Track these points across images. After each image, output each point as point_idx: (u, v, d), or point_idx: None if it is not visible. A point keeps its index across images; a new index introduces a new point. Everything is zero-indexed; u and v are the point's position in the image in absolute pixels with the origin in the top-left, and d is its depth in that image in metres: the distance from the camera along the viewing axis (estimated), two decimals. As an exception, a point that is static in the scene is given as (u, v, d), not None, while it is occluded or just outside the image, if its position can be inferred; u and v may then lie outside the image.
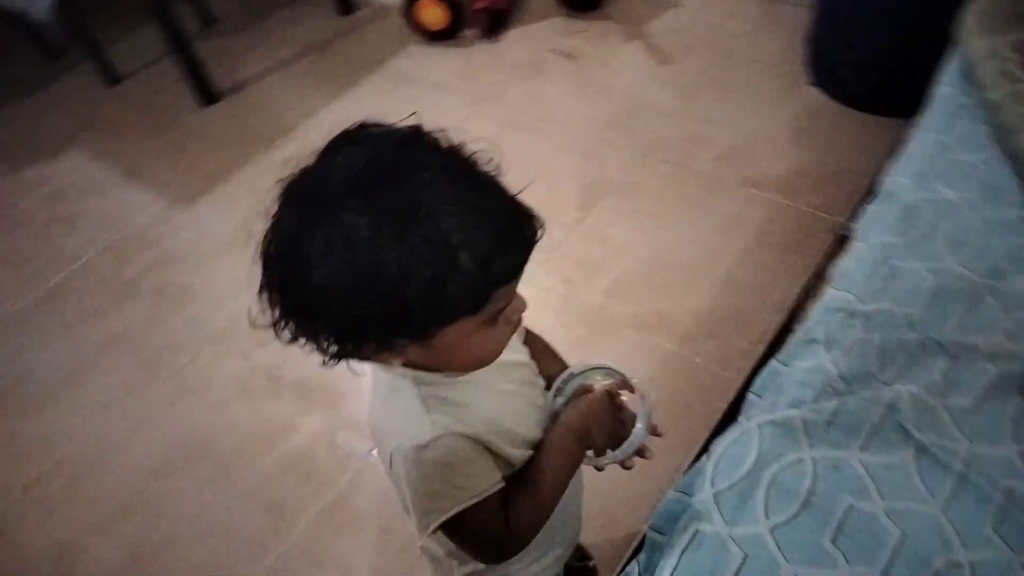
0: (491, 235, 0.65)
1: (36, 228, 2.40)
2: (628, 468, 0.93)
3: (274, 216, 0.68)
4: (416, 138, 0.69)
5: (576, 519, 1.17)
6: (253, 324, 0.71)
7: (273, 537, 1.61)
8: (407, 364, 0.79)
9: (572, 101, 2.55)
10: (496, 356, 0.78)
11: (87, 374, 1.96)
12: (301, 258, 0.65)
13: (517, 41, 2.83)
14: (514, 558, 1.00)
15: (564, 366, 1.01)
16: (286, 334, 0.71)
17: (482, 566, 1.00)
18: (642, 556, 1.06)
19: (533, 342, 1.04)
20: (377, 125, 0.70)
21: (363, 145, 0.67)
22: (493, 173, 0.72)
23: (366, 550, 1.56)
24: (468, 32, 2.85)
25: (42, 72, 3.10)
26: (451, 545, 0.92)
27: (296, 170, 0.68)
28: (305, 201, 0.66)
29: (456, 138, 0.73)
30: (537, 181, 2.34)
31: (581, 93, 2.57)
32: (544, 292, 1.98)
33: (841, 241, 1.44)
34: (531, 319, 2.07)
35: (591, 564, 1.51)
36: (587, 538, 1.54)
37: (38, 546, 1.65)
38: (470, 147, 0.73)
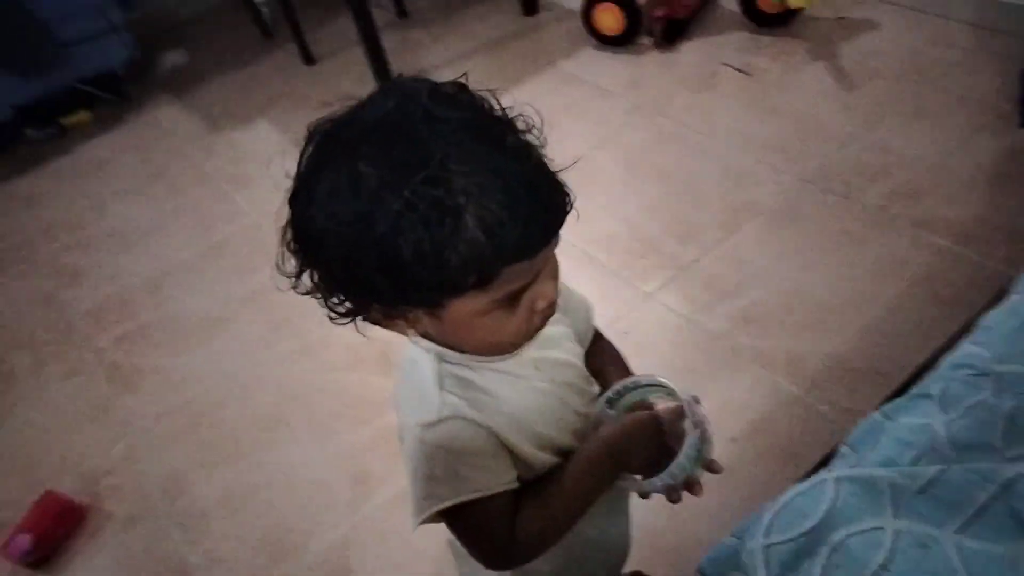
0: (505, 203, 0.60)
1: (217, 185, 2.63)
2: (674, 502, 0.83)
3: (299, 158, 0.68)
4: (450, 94, 0.65)
5: (619, 549, 1.08)
6: (278, 269, 0.71)
7: (352, 506, 1.64)
8: (426, 337, 0.76)
9: (738, 118, 2.41)
10: (516, 344, 0.73)
11: (229, 324, 2.11)
12: (309, 200, 0.64)
13: (692, 52, 2.73)
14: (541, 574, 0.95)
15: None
16: (303, 286, 0.70)
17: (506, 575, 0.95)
18: (683, 599, 0.96)
19: (600, 349, 0.97)
20: (416, 78, 0.68)
21: (394, 95, 0.65)
22: (531, 141, 0.67)
23: (435, 537, 1.54)
24: (643, 40, 2.79)
25: (257, 48, 3.41)
26: None
27: (329, 115, 0.67)
28: (324, 144, 0.65)
29: (505, 103, 0.69)
30: (681, 194, 2.26)
31: (749, 110, 2.43)
32: (664, 310, 1.88)
33: (1002, 295, 1.23)
34: (644, 337, 1.98)
35: (656, 601, 1.40)
36: (658, 573, 1.44)
37: (154, 469, 1.80)
38: (514, 111, 0.68)
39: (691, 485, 0.82)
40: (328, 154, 0.64)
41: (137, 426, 1.90)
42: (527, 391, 0.79)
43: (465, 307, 0.66)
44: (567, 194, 0.66)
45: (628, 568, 1.39)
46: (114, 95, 3.07)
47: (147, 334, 2.13)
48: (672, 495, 0.83)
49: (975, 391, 0.96)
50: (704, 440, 0.81)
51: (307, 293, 0.71)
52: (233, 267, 2.29)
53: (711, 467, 0.83)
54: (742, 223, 2.06)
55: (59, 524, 1.67)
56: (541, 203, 0.63)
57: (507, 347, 0.74)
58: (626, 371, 0.96)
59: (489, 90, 0.69)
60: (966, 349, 1.05)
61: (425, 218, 0.59)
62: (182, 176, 2.69)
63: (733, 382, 1.70)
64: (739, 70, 2.57)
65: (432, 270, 0.61)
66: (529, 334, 0.73)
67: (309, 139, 0.66)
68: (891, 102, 2.33)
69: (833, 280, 1.87)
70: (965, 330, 1.22)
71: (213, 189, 2.61)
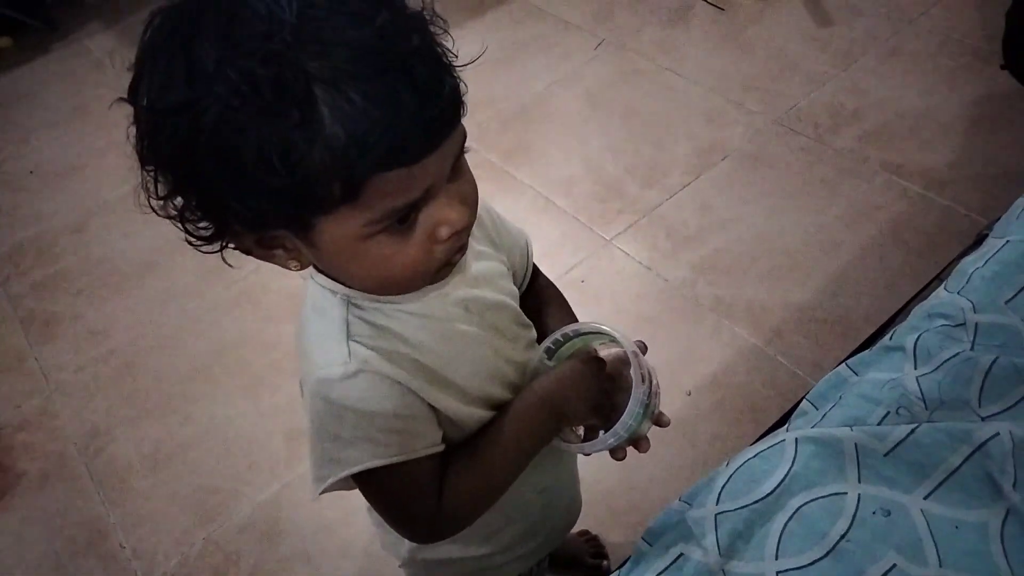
0: (369, 91, 0.47)
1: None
2: (618, 459, 0.74)
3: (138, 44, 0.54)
4: None
5: (566, 512, 0.98)
6: (142, 186, 0.58)
7: (286, 465, 1.53)
8: (319, 272, 0.64)
9: (709, 55, 2.28)
10: (414, 279, 0.60)
11: (159, 269, 1.96)
12: (144, 92, 0.52)
13: (664, -15, 2.57)
14: (475, 542, 0.85)
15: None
16: (161, 203, 0.57)
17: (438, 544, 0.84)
18: (625, 567, 0.86)
19: (539, 289, 0.85)
20: None
21: None
22: (416, 23, 0.53)
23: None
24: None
25: None
26: None
27: None
28: (162, 25, 0.52)
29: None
30: (646, 134, 2.13)
31: (721, 47, 2.29)
32: (624, 257, 1.77)
33: (979, 242, 1.14)
34: (602, 285, 1.86)
35: (605, 564, 1.32)
36: (611, 536, 1.36)
37: (73, 425, 1.67)
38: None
39: (637, 441, 0.73)
40: (165, 35, 0.51)
41: (54, 378, 1.76)
42: (451, 337, 0.67)
43: (340, 229, 0.54)
44: (457, 87, 0.53)
45: (578, 528, 1.31)
46: (39, 21, 2.84)
47: (68, 279, 1.97)
48: (617, 453, 0.73)
49: (952, 343, 0.87)
50: (651, 393, 0.71)
51: (170, 216, 0.58)
52: (165, 208, 2.12)
53: (659, 421, 0.74)
54: (709, 166, 1.95)
55: (-35, 484, 1.54)
56: (419, 94, 0.49)
57: (404, 283, 0.61)
58: (568, 314, 0.85)
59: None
60: (941, 297, 0.95)
61: (265, 106, 0.47)
62: (111, 111, 2.48)
63: (692, 333, 1.60)
64: (712, 4, 2.42)
65: (283, 177, 0.48)
66: (430, 269, 0.60)
67: (149, 22, 0.53)
68: (868, 41, 2.21)
69: (800, 227, 1.77)
70: (939, 278, 1.13)
71: (146, 125, 2.43)
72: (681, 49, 2.32)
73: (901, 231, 1.71)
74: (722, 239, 1.77)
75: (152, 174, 0.55)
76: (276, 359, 1.72)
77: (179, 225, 0.57)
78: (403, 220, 0.54)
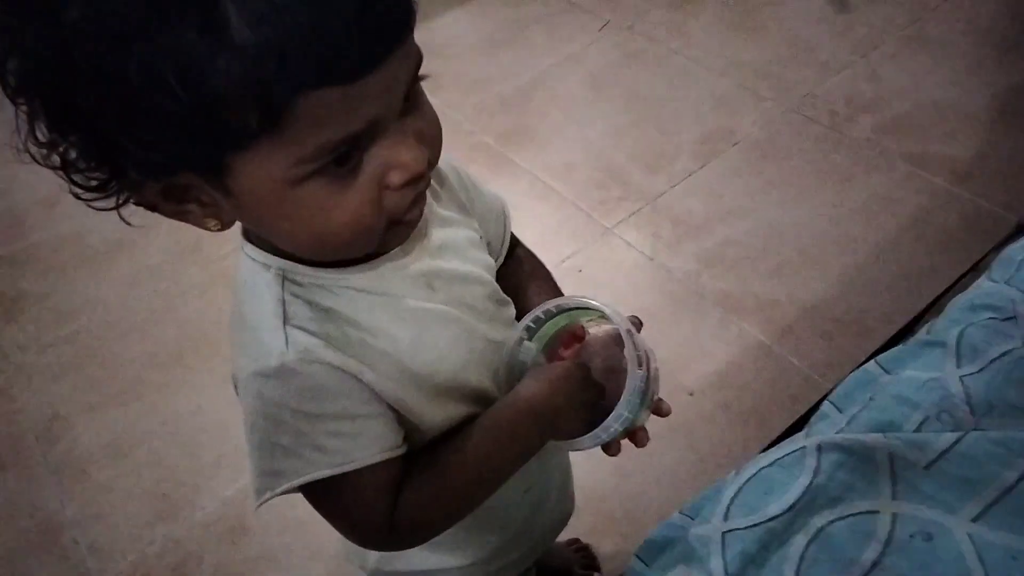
0: None
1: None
2: (612, 455, 0.63)
3: None
4: None
5: (557, 511, 0.86)
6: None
7: (255, 457, 1.42)
8: (249, 239, 0.53)
9: (720, 38, 2.17)
10: (356, 234, 0.48)
11: (132, 247, 1.86)
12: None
13: (675, -34, 2.46)
14: (453, 550, 0.74)
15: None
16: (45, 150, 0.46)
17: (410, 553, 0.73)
18: (617, 590, 0.75)
19: (517, 262, 0.73)
20: None
21: None
22: None
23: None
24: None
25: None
26: None
27: None
28: None
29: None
30: (651, 119, 2.02)
31: (734, 31, 2.18)
32: (625, 247, 1.66)
33: (1021, 231, 1.03)
34: (601, 275, 1.74)
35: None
36: (603, 545, 1.25)
37: (33, 408, 1.56)
38: None
39: (633, 433, 0.62)
40: None
41: (15, 360, 1.65)
42: (411, 318, 0.56)
43: (261, 170, 0.42)
44: None
45: (567, 535, 1.20)
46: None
47: (36, 256, 1.86)
48: (611, 448, 0.63)
49: (1001, 339, 0.76)
50: (650, 379, 0.60)
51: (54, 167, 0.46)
52: (143, 185, 2.02)
53: (658, 409, 0.63)
54: (717, 153, 1.84)
55: (-90, 470, 1.43)
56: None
57: (344, 242, 0.48)
58: (553, 290, 0.73)
59: None
60: (986, 287, 0.84)
61: (153, 4, 0.36)
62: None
63: (696, 329, 1.49)
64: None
65: (180, 99, 0.37)
66: (377, 225, 0.48)
67: None
68: (888, 27, 2.10)
69: (814, 219, 1.66)
70: (972, 272, 1.02)
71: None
72: (690, 31, 2.21)
73: (922, 226, 1.60)
74: (730, 230, 1.66)
75: (24, 108, 0.43)
76: (251, 346, 1.61)
77: (62, 175, 0.46)
78: (343, 161, 0.43)
